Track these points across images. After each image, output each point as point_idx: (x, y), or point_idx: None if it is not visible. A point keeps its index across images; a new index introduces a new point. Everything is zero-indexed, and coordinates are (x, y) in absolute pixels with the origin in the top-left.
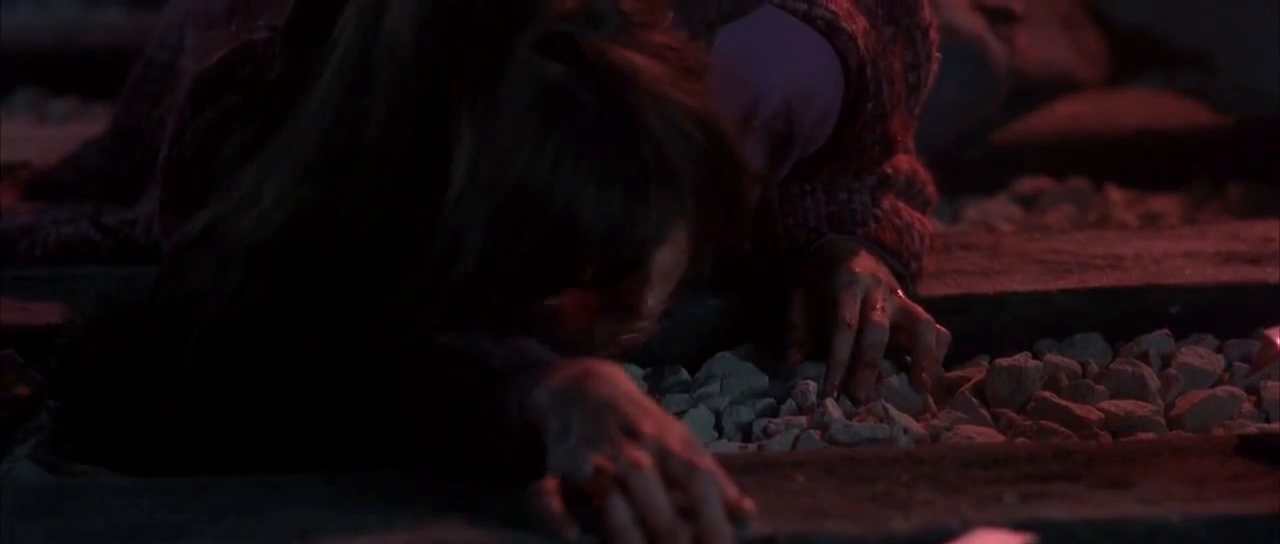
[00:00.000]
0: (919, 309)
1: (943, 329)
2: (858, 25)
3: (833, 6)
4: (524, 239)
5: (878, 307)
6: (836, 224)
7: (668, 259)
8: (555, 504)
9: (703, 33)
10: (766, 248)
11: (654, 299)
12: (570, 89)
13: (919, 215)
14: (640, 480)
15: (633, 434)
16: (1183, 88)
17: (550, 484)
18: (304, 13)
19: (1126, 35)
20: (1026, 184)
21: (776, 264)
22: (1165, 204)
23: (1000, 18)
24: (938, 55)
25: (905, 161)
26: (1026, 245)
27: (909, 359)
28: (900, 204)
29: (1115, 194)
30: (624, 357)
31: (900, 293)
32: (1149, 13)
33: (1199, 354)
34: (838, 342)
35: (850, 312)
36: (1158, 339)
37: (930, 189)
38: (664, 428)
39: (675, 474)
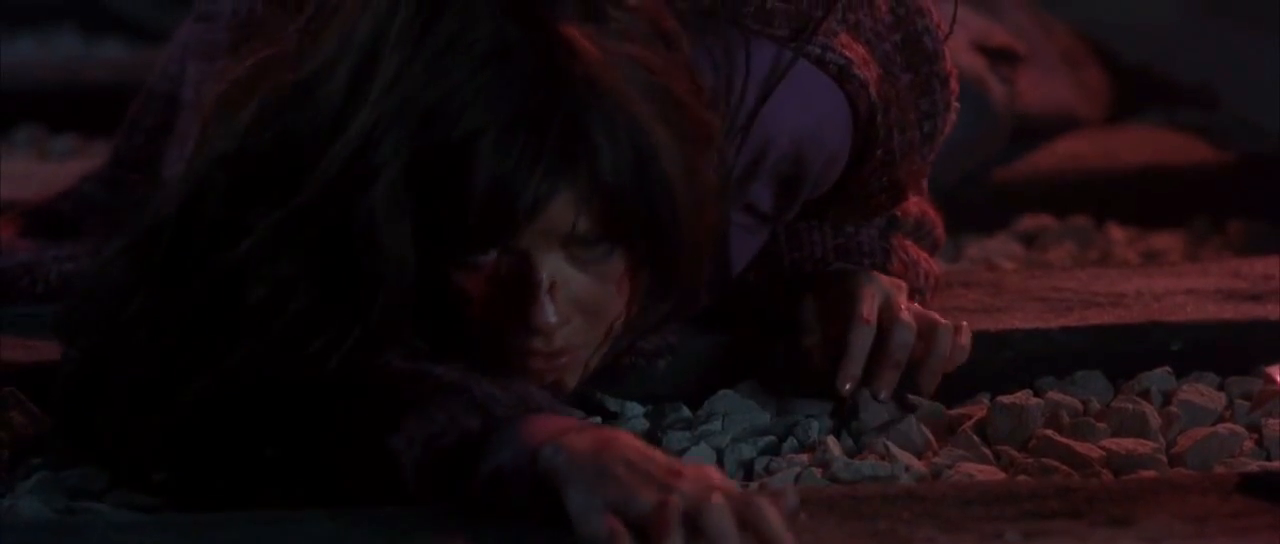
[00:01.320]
0: (938, 316)
1: (962, 340)
2: (871, 73)
3: (847, 53)
4: (420, 159)
5: (902, 307)
6: (844, 255)
7: (552, 262)
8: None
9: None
10: (773, 282)
11: (551, 314)
12: (514, 44)
13: (925, 255)
14: (714, 509)
15: (676, 474)
16: (1184, 125)
17: (614, 522)
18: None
19: (1128, 72)
20: (1028, 222)
21: (784, 297)
22: (1166, 241)
23: (1003, 58)
24: (956, 105)
25: (915, 204)
26: (1028, 283)
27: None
28: (908, 242)
29: (1116, 231)
30: (623, 393)
31: (916, 304)
32: (1150, 50)
33: (1200, 391)
34: (855, 334)
35: (868, 308)
36: (1159, 376)
37: (939, 231)
38: (702, 470)
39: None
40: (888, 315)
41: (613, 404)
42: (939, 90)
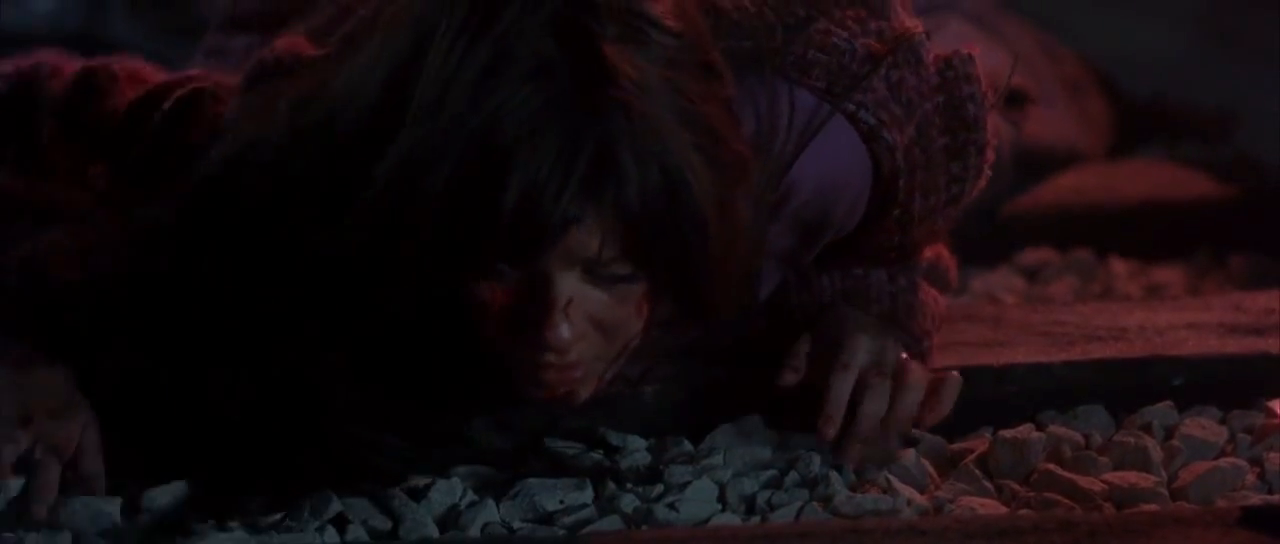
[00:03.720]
0: (914, 373)
1: (940, 405)
2: (901, 136)
3: (881, 113)
4: (452, 165)
5: (883, 369)
6: (850, 298)
7: (570, 282)
8: None
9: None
10: (778, 323)
11: (565, 331)
12: (554, 63)
13: (934, 294)
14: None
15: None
16: (1185, 159)
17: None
18: None
19: (1131, 105)
20: (1030, 256)
21: (786, 337)
22: (1168, 275)
23: (1013, 102)
24: (989, 172)
25: (930, 250)
26: (1030, 317)
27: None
28: (918, 280)
29: (1118, 265)
30: (624, 427)
31: (903, 357)
32: (1154, 83)
33: (1202, 425)
34: (834, 381)
35: (850, 357)
36: (1161, 411)
37: (951, 274)
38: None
39: None
40: (865, 379)
41: (614, 438)
42: (973, 157)
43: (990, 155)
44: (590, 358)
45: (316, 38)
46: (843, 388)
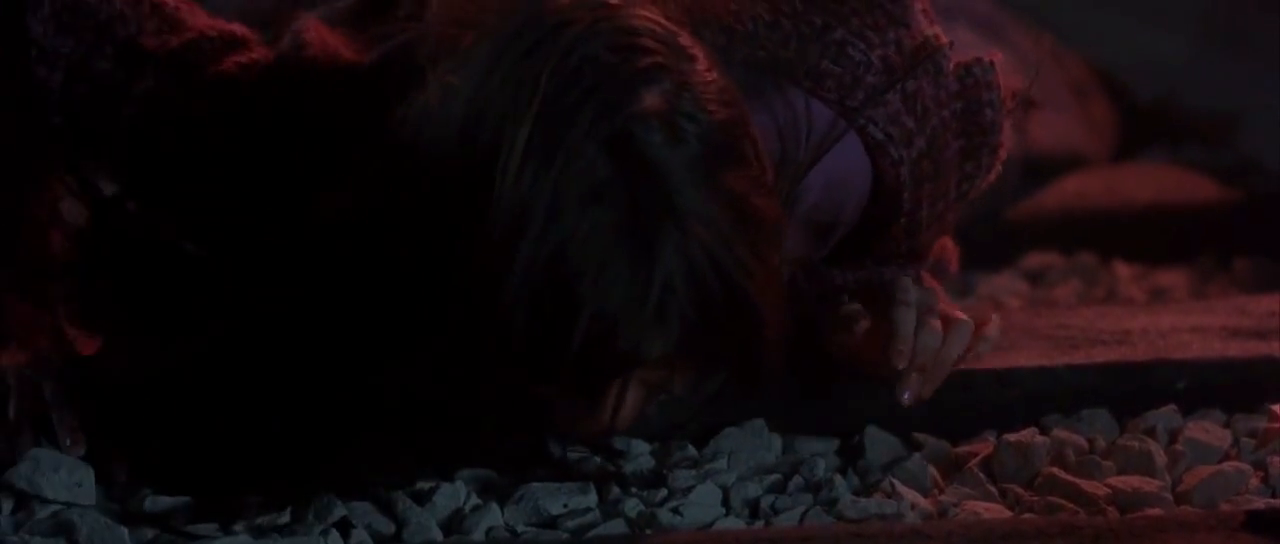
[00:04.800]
0: (958, 312)
1: (987, 331)
2: (910, 150)
3: (891, 128)
4: (525, 291)
5: (932, 309)
6: (865, 287)
7: (646, 377)
8: None
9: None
10: (798, 319)
11: (618, 424)
12: (610, 187)
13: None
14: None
15: None
16: (1189, 162)
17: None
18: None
19: (1136, 108)
20: (1034, 259)
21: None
22: (1172, 279)
23: (1018, 105)
24: (999, 169)
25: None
26: (1034, 320)
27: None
28: (924, 273)
29: (1122, 269)
30: (628, 431)
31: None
32: (1159, 86)
33: (1206, 429)
34: (898, 316)
35: (907, 295)
36: (1165, 414)
37: (953, 264)
38: None
39: None
40: (920, 317)
41: (618, 442)
42: (986, 157)
43: (1002, 155)
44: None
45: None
46: (907, 319)
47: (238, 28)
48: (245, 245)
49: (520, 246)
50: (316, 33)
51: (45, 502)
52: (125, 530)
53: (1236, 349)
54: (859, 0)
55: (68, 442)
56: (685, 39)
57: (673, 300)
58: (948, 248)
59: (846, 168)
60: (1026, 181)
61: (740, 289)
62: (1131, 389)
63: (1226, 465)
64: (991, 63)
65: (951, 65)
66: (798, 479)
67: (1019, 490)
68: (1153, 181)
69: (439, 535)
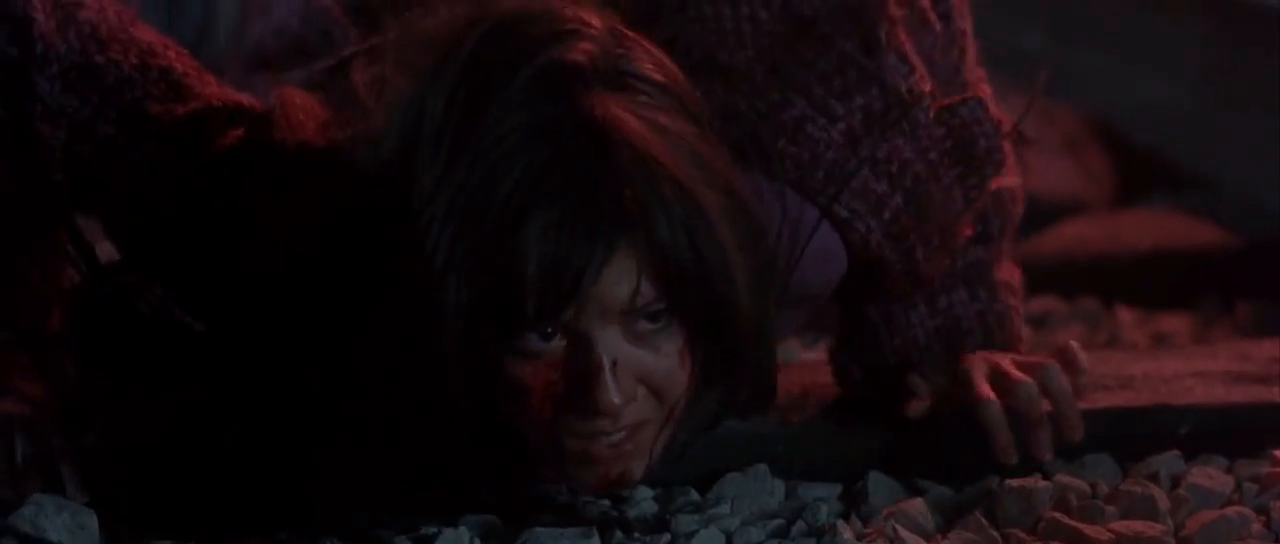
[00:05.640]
0: (1041, 358)
1: (1078, 363)
2: (881, 217)
3: (856, 203)
4: (472, 249)
5: (1012, 371)
6: (945, 337)
7: (612, 340)
8: None
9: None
10: (876, 370)
11: (615, 394)
12: (551, 123)
13: (1011, 269)
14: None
15: None
16: (1190, 208)
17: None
18: None
19: (1135, 156)
20: (1036, 304)
21: (887, 382)
22: (1175, 323)
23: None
24: (1019, 186)
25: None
26: None
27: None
28: (995, 277)
29: (1125, 314)
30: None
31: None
32: (1158, 134)
33: (1209, 474)
34: (984, 414)
35: (983, 387)
36: (1168, 459)
37: (1016, 206)
38: None
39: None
40: (1003, 385)
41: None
42: (990, 167)
43: (1009, 168)
44: (643, 420)
45: (321, 85)
46: (996, 415)
47: (245, 98)
48: (230, 309)
49: (448, 201)
50: (286, 112)
51: None
52: None
53: (1239, 394)
54: (828, 62)
55: (72, 489)
56: (624, 30)
57: (629, 211)
58: (1006, 189)
59: (820, 246)
60: (1025, 226)
61: (701, 216)
62: (1134, 434)
63: (1229, 510)
64: (980, 99)
65: (935, 108)
66: (801, 524)
67: (1022, 535)
68: (1155, 226)
69: None
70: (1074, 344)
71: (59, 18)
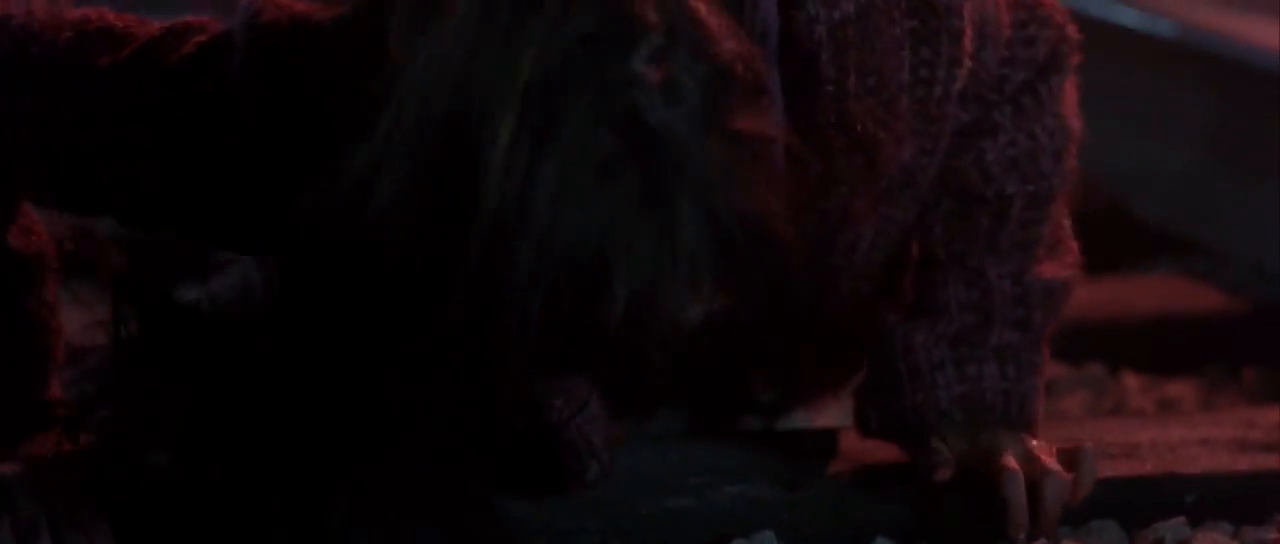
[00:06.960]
0: (1048, 461)
1: (1083, 480)
2: (831, 9)
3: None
4: (546, 287)
5: (1042, 458)
6: (968, 404)
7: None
8: None
9: None
10: (894, 422)
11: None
12: (620, 163)
13: (1038, 363)
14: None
15: None
16: (1196, 273)
17: None
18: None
19: (1140, 222)
20: None
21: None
22: (1181, 389)
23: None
24: (969, 63)
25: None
26: (1043, 432)
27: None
28: (1028, 356)
29: (1131, 380)
30: (642, 540)
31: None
32: (1163, 199)
33: (1214, 541)
34: (1008, 486)
35: (1011, 460)
36: (1174, 526)
37: (1064, 302)
38: None
39: None
40: (1032, 469)
41: None
42: (945, 43)
43: (968, 46)
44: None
45: None
46: (1019, 489)
47: (192, 18)
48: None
49: (523, 239)
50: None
51: None
52: None
53: (1245, 462)
54: None
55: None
56: None
57: (703, 260)
58: (1062, 229)
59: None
60: None
61: (763, 228)
62: (1141, 501)
63: None
64: None
65: None
66: None
67: None
68: (1161, 292)
69: None
70: (1087, 447)
71: None
